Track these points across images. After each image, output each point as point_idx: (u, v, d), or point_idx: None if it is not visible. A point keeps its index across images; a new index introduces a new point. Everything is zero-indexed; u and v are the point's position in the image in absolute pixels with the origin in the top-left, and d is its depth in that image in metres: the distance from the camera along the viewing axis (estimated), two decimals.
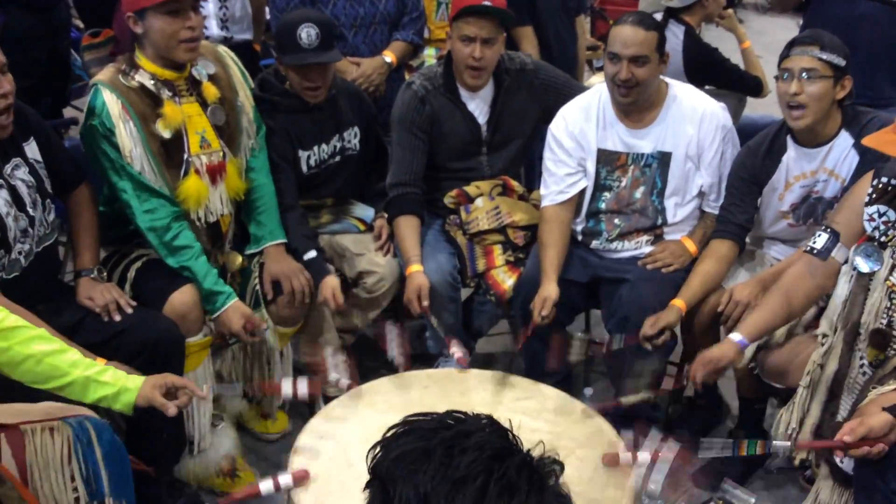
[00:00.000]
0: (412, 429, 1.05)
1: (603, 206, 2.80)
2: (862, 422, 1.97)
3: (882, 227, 2.14)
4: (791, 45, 2.46)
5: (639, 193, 2.77)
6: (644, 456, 1.97)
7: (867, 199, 2.17)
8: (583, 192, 2.80)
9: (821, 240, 2.27)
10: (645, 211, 2.78)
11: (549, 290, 2.63)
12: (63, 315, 2.30)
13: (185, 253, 2.46)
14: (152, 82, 2.43)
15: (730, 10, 3.81)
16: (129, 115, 2.39)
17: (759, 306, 2.37)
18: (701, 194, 2.77)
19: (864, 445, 1.95)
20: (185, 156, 2.49)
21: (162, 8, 2.35)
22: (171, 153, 2.47)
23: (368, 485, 1.04)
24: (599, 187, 2.79)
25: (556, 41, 3.63)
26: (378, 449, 1.05)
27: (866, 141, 2.12)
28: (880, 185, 2.16)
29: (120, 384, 1.94)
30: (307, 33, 2.69)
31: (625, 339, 2.54)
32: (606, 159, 2.76)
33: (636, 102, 2.66)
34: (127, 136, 2.39)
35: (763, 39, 6.83)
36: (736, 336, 2.31)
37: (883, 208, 2.14)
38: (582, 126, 2.75)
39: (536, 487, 0.99)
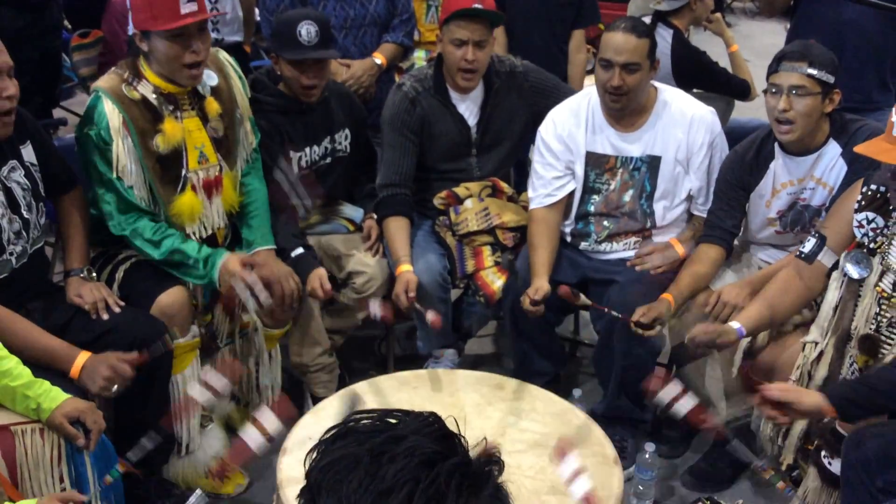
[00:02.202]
0: (348, 431, 1.00)
1: (592, 208, 2.81)
2: (797, 390, 2.05)
3: (871, 233, 2.17)
4: (780, 59, 2.44)
5: (627, 197, 2.78)
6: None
7: (856, 206, 2.20)
8: (571, 194, 2.81)
9: (809, 244, 2.32)
10: (633, 214, 2.79)
11: (540, 283, 2.65)
12: (53, 314, 2.30)
13: (168, 239, 2.44)
14: (154, 95, 2.42)
15: (717, 14, 3.83)
16: (128, 130, 2.37)
17: (754, 302, 2.40)
18: (689, 198, 2.78)
19: (777, 411, 2.02)
20: (183, 171, 2.48)
21: (167, 33, 2.34)
22: (167, 169, 2.46)
23: (301, 492, 1.00)
24: (588, 190, 2.80)
25: (524, 51, 3.36)
26: (315, 453, 0.99)
27: (859, 149, 2.13)
28: (869, 193, 2.19)
29: (38, 402, 1.96)
30: (307, 30, 2.70)
31: (621, 316, 2.54)
32: (595, 162, 2.77)
33: (626, 108, 2.67)
34: (123, 152, 2.38)
35: (751, 43, 6.87)
36: (735, 324, 2.34)
37: (871, 215, 2.17)
38: (571, 129, 2.76)
39: (469, 492, 0.94)
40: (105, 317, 2.34)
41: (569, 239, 2.86)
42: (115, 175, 2.38)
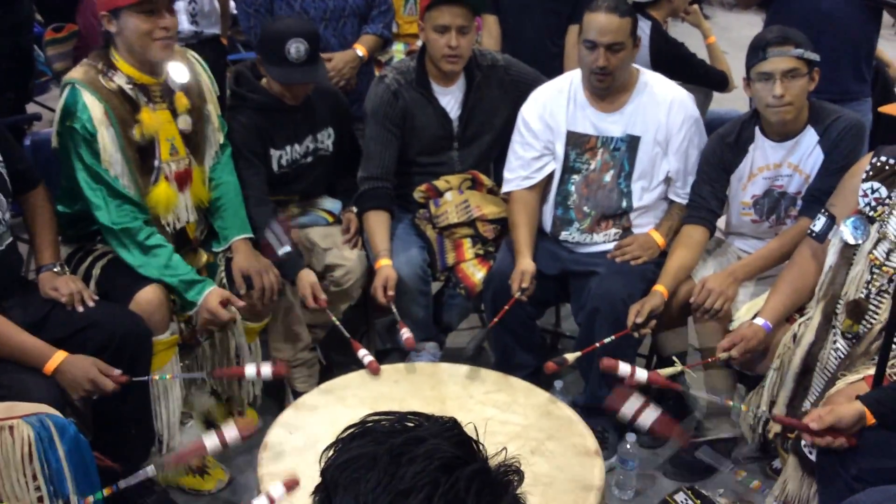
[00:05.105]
0: (366, 430, 0.99)
1: (572, 188, 2.81)
2: (832, 410, 1.98)
3: (873, 202, 2.21)
4: (764, 47, 2.44)
5: (608, 177, 2.79)
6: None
7: (864, 175, 2.24)
8: (551, 176, 2.81)
9: (819, 223, 2.35)
10: (611, 193, 2.79)
11: (525, 263, 2.65)
12: (28, 311, 2.28)
13: (158, 251, 2.44)
14: (130, 86, 2.41)
15: (695, 6, 3.84)
16: (109, 120, 2.36)
17: (774, 290, 2.42)
18: (668, 180, 2.79)
19: (829, 436, 1.98)
20: (156, 162, 2.47)
21: (137, 7, 2.32)
22: (144, 159, 2.45)
23: (316, 489, 0.99)
24: (568, 170, 2.80)
25: (516, 43, 3.38)
26: (331, 451, 0.99)
27: (885, 109, 2.17)
28: (878, 164, 2.23)
29: None
30: (296, 48, 2.66)
31: (615, 336, 2.49)
32: (576, 142, 2.78)
33: (610, 87, 2.69)
34: (109, 142, 2.36)
35: (728, 35, 6.91)
36: (759, 320, 2.36)
37: (877, 185, 2.21)
38: (553, 108, 2.77)
39: (488, 500, 0.93)
40: (80, 309, 2.32)
41: (549, 229, 2.86)
42: (103, 167, 2.36)
